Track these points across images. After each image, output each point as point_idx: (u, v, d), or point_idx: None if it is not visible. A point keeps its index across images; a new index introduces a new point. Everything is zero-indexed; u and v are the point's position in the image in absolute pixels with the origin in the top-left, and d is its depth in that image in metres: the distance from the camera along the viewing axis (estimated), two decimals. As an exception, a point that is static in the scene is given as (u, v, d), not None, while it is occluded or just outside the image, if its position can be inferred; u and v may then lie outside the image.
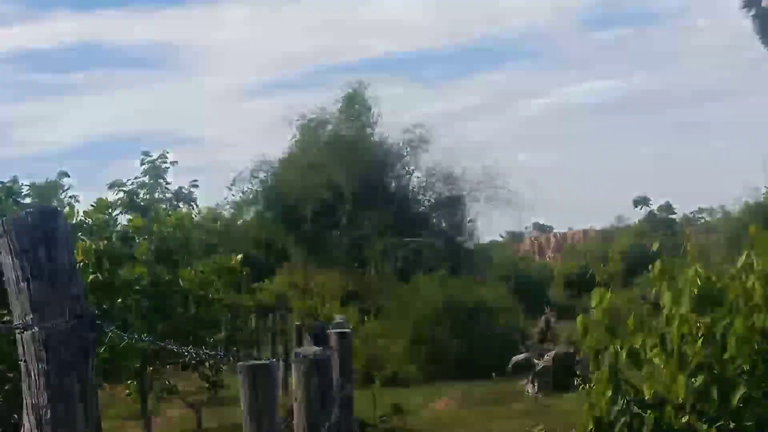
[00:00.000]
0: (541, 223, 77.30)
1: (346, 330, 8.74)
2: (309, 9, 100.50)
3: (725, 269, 5.71)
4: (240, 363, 4.22)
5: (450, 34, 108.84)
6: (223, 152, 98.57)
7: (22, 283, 2.26)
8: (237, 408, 13.31)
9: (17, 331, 2.24)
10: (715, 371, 4.74)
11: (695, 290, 5.06)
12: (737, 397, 4.64)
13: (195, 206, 33.16)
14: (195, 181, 20.83)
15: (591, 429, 5.02)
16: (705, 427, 4.84)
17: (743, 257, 5.15)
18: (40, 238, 2.27)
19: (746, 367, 4.71)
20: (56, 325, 2.21)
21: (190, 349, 4.39)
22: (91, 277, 10.02)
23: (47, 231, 2.28)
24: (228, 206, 36.52)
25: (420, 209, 33.94)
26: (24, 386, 2.29)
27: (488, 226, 55.88)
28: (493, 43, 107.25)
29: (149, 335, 8.87)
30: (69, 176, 13.63)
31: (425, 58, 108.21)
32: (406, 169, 34.15)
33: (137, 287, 10.57)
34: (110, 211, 11.49)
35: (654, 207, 65.07)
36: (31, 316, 2.23)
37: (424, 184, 34.36)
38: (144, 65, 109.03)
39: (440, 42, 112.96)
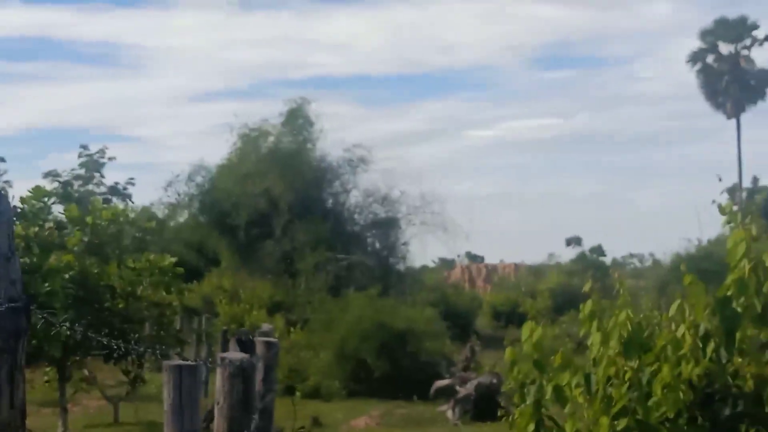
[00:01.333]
0: (474, 253, 77.93)
1: (273, 339, 8.68)
2: (262, 22, 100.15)
3: (654, 316, 5.78)
4: (165, 362, 4.16)
5: (401, 59, 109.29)
6: (163, 153, 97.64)
7: (-42, 263, 2.19)
8: (155, 405, 13.22)
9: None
10: (638, 416, 4.78)
11: (624, 334, 5.09)
12: (659, 444, 4.69)
13: (130, 203, 32.70)
14: (132, 178, 20.74)
15: (510, 462, 5.04)
16: (624, 471, 4.88)
17: (675, 305, 5.21)
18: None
19: (670, 415, 4.76)
20: (-10, 307, 2.14)
21: (120, 342, 4.31)
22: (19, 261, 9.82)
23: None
24: (163, 207, 36.23)
25: (355, 227, 34.00)
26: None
27: (421, 251, 56.30)
28: (443, 73, 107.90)
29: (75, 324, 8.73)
30: (4, 161, 13.50)
31: (374, 80, 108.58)
32: (344, 187, 34.26)
33: (65, 275, 10.40)
34: (46, 199, 11.34)
35: (586, 248, 66.16)
36: (-35, 296, 2.16)
37: (360, 203, 34.48)
38: (93, 61, 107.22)
39: (390, 67, 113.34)
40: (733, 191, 44.46)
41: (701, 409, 4.86)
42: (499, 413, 12.24)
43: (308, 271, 29.86)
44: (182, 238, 37.85)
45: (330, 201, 33.80)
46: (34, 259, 10.17)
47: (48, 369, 13.59)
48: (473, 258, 79.51)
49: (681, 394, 4.75)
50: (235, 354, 5.73)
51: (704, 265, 22.58)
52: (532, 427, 5.03)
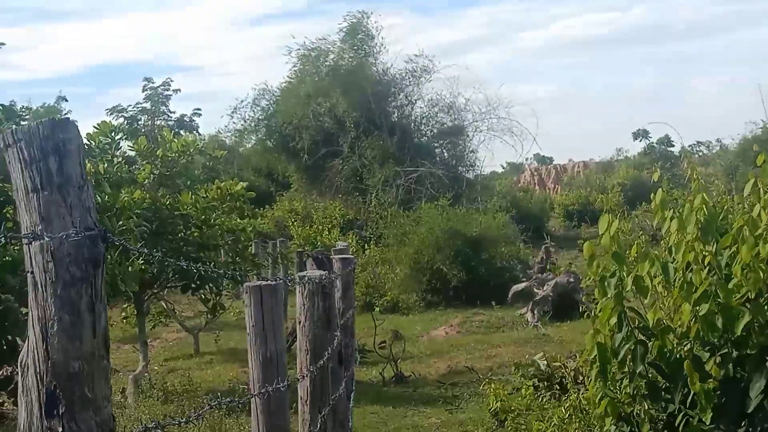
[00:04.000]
0: (542, 154, 77.13)
1: (349, 256, 8.77)
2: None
3: (726, 200, 5.69)
4: (247, 283, 4.21)
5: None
6: (225, 80, 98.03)
7: (31, 194, 2.22)
8: (234, 333, 13.45)
9: (25, 241, 2.21)
10: (719, 300, 4.73)
11: (701, 218, 5.02)
12: (741, 325, 4.65)
13: (198, 134, 33.03)
14: (198, 109, 20.86)
15: (595, 356, 5.04)
16: (708, 355, 4.86)
17: (750, 184, 5.10)
18: (51, 149, 2.23)
19: (751, 296, 4.71)
20: (67, 236, 2.18)
21: (199, 265, 4.36)
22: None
23: (59, 142, 2.24)
24: (230, 134, 36.49)
25: (422, 139, 33.82)
26: (30, 297, 2.26)
27: (490, 158, 55.89)
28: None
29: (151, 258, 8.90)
30: (67, 101, 13.56)
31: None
32: (409, 99, 33.98)
33: (138, 211, 10.52)
34: (113, 134, 11.39)
35: (653, 140, 65.01)
36: (41, 227, 2.20)
37: (426, 114, 34.23)
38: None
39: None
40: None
41: (782, 288, 4.79)
42: (580, 310, 12.28)
43: (378, 187, 29.93)
44: (251, 164, 38.26)
45: (395, 114, 33.61)
46: (106, 198, 10.24)
47: (126, 305, 13.86)
48: (542, 160, 78.79)
49: (761, 274, 4.68)
50: (313, 272, 5.79)
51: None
52: (614, 320, 5.01)
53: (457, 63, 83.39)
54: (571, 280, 16.60)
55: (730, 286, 4.79)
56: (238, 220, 12.58)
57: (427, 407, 10.00)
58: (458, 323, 16.34)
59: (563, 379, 8.38)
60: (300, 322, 5.36)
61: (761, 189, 4.98)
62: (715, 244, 4.97)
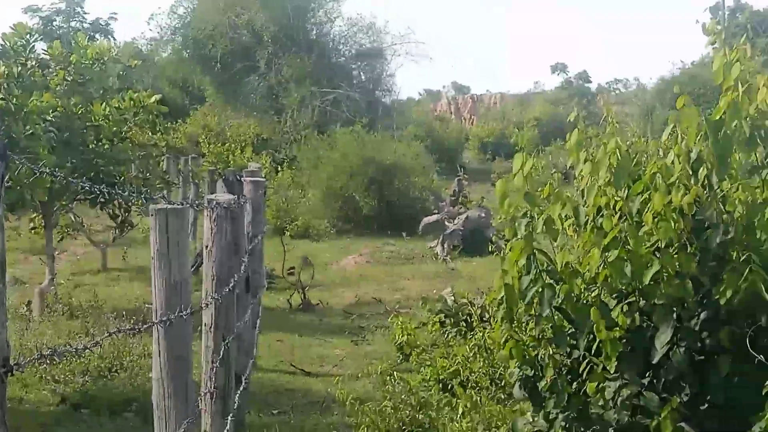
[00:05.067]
0: (459, 83, 77.32)
1: (260, 179, 8.60)
2: None
3: (641, 143, 5.69)
4: (152, 206, 4.06)
5: None
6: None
7: None
8: (143, 250, 13.20)
9: None
10: (629, 247, 4.73)
11: (614, 163, 4.99)
12: (650, 274, 4.66)
13: (113, 39, 31.96)
14: (114, 13, 20.18)
15: (502, 297, 5.02)
16: (615, 303, 4.88)
17: (668, 130, 5.10)
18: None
19: (662, 245, 4.73)
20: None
21: (103, 188, 4.18)
22: (0, 102, 9.60)
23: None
24: (146, 42, 35.50)
25: (340, 60, 33.42)
26: None
27: (407, 83, 55.67)
28: None
29: (59, 169, 8.57)
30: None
31: None
32: (328, 16, 33.42)
33: (48, 118, 10.12)
34: (28, 36, 10.89)
35: (571, 75, 65.73)
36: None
37: (345, 33, 33.77)
38: None
39: None
40: (716, 11, 43.56)
41: (692, 238, 4.83)
42: (490, 247, 12.38)
43: (294, 107, 29.55)
44: (166, 75, 37.30)
45: (314, 32, 33.06)
46: (14, 101, 9.81)
47: (33, 216, 13.48)
48: (459, 89, 78.97)
49: (672, 223, 4.70)
50: (222, 195, 5.64)
51: (688, 89, 22.42)
52: (523, 261, 4.98)
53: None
54: (483, 215, 16.71)
55: (641, 233, 4.79)
56: (150, 134, 12.24)
57: (333, 337, 10.00)
58: (368, 253, 16.33)
59: (470, 317, 8.44)
60: (207, 247, 5.21)
61: (679, 135, 4.97)
62: (627, 190, 4.96)
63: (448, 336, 8.34)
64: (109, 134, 11.20)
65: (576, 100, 50.01)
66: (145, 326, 3.83)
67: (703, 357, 4.73)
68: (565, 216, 5.12)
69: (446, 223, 17.62)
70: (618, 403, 4.79)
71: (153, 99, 11.74)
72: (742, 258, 4.59)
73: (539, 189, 5.21)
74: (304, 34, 32.08)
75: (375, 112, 30.09)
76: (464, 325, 8.48)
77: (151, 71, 35.42)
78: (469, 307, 8.61)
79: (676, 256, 4.71)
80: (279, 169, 24.05)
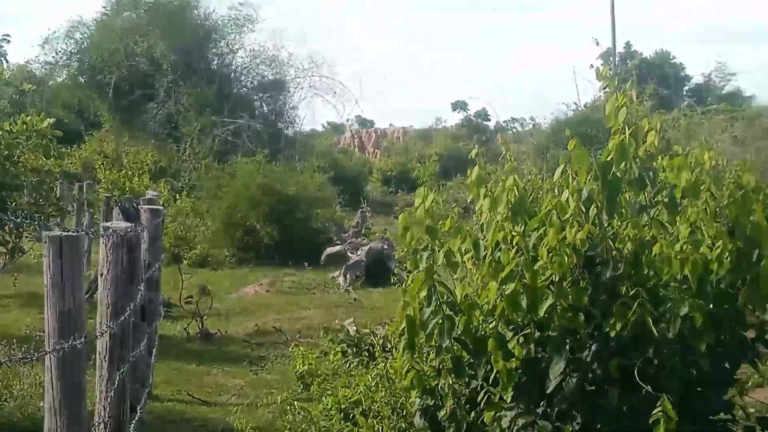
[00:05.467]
0: (363, 117, 77.80)
1: (158, 207, 8.50)
2: None
3: (537, 181, 5.86)
4: (45, 233, 3.98)
5: None
6: (38, 8, 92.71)
7: None
8: (35, 276, 12.76)
9: None
10: (525, 280, 4.87)
11: (512, 199, 5.14)
12: (545, 307, 4.81)
13: (5, 62, 31.15)
14: (7, 35, 19.56)
15: (403, 328, 5.09)
16: (511, 334, 5.00)
17: (559, 170, 5.27)
18: None
19: (555, 279, 4.88)
20: None
21: (-6, 214, 4.09)
22: None
23: None
24: (40, 66, 34.59)
25: (242, 90, 33.24)
26: None
27: (311, 116, 55.75)
28: None
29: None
30: None
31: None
32: (230, 47, 33.26)
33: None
34: None
35: (471, 112, 67.10)
36: None
37: (247, 64, 33.64)
38: None
39: None
40: (607, 56, 45.12)
41: (584, 272, 4.99)
42: (391, 279, 12.46)
43: (193, 136, 29.25)
44: (61, 100, 36.42)
45: (215, 62, 32.84)
46: None
47: None
48: (363, 123, 79.44)
49: (565, 258, 4.85)
50: (119, 223, 5.56)
51: (580, 130, 23.06)
52: (424, 293, 5.07)
53: (286, 13, 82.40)
54: (385, 246, 16.84)
55: (536, 267, 4.93)
56: (44, 159, 11.95)
57: (232, 366, 9.87)
58: (268, 282, 16.21)
59: (372, 347, 8.46)
60: (102, 275, 5.13)
61: (570, 175, 5.14)
62: (524, 226, 5.11)
63: (350, 365, 8.34)
64: (0, 158, 10.92)
65: (476, 137, 50.93)
66: (37, 355, 3.76)
67: (594, 387, 4.88)
68: (465, 249, 5.25)
69: (349, 253, 17.66)
70: (514, 431, 4.89)
71: (46, 123, 11.49)
72: (631, 292, 4.77)
73: (440, 222, 5.34)
74: (206, 63, 31.87)
75: (277, 143, 29.99)
76: (366, 354, 8.50)
77: (45, 95, 34.57)
78: (372, 337, 8.64)
79: (569, 289, 4.88)
80: (177, 197, 23.75)
